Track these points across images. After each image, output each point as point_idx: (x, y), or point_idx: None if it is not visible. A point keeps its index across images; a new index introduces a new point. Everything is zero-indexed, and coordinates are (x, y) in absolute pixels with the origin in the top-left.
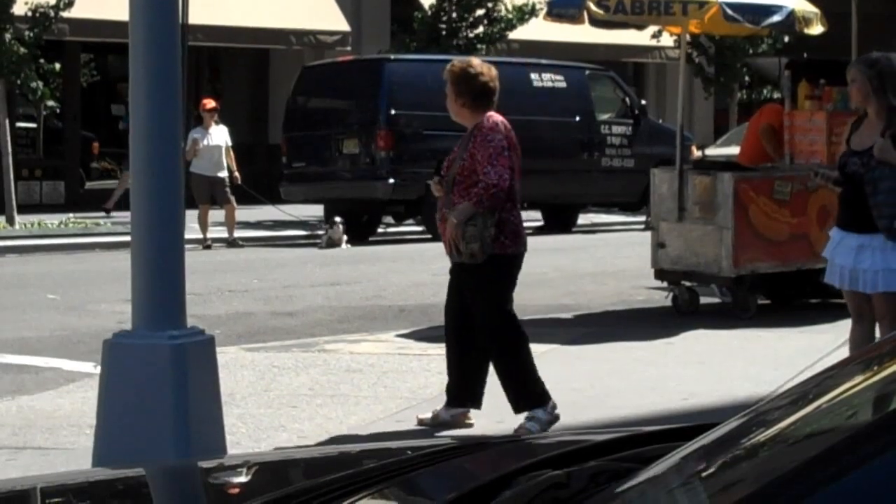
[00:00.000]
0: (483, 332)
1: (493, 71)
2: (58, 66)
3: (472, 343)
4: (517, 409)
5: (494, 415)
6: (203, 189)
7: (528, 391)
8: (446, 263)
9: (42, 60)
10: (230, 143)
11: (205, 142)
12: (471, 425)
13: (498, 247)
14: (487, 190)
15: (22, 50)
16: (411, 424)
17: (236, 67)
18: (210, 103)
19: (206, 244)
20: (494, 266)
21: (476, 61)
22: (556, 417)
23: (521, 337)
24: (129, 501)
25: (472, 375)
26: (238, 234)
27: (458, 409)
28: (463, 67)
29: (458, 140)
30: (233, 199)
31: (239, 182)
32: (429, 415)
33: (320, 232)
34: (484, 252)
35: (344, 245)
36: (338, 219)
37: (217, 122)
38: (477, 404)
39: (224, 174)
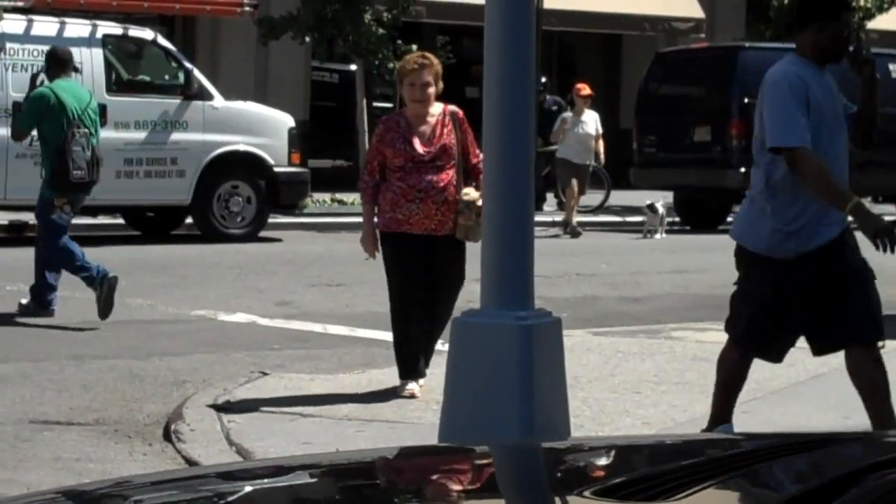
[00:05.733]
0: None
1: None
2: (414, 47)
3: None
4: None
5: (842, 410)
6: (567, 175)
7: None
8: None
9: (399, 42)
10: (601, 131)
11: (577, 129)
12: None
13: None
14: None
15: (380, 31)
16: (758, 416)
17: (589, 52)
18: (585, 89)
19: (566, 228)
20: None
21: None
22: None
23: None
24: (473, 478)
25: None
26: (583, 218)
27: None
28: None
29: None
30: (584, 187)
31: (602, 167)
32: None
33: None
34: None
35: (658, 235)
36: (657, 204)
37: (589, 109)
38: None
39: (590, 162)
